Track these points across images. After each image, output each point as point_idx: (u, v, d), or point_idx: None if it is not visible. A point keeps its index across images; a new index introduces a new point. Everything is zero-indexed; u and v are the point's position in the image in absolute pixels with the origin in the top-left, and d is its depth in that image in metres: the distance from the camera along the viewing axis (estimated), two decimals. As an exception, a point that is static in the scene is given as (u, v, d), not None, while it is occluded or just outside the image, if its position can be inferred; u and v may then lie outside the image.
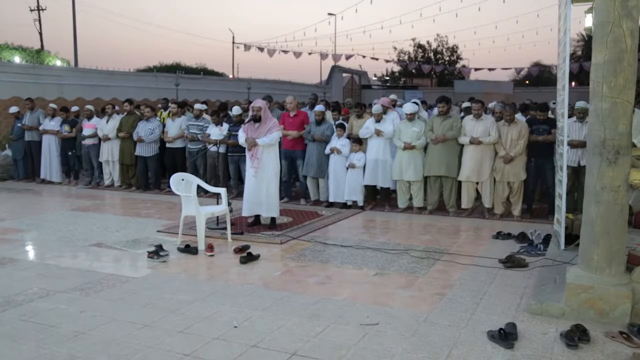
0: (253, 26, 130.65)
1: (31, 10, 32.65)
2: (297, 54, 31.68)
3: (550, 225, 6.81)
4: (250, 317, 4.11)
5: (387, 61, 40.22)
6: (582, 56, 40.47)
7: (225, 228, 6.61)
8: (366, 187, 8.50)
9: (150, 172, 10.35)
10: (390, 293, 4.68)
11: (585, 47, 41.26)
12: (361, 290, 4.77)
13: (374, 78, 49.02)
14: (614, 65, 3.88)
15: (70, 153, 11.14)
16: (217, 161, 8.74)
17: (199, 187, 6.67)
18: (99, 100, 17.18)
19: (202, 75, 26.83)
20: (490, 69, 32.80)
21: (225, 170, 9.34)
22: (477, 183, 7.84)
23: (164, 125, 10.15)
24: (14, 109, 11.73)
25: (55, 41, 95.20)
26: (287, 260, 5.74)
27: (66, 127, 11.02)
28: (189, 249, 5.98)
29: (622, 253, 4.06)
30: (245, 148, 6.99)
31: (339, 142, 8.47)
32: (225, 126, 9.24)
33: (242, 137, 6.95)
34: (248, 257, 5.62)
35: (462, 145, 7.85)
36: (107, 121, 10.63)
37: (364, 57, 58.59)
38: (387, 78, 51.60)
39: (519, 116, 8.69)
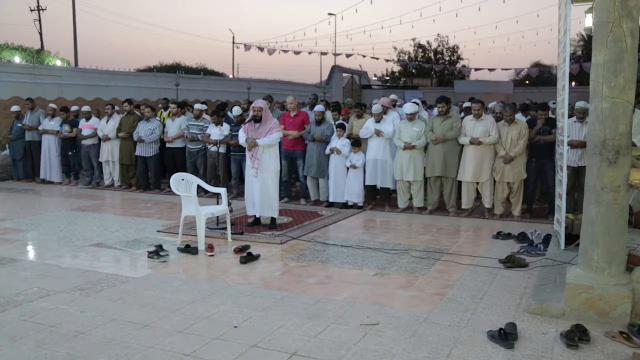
0: (253, 26, 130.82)
1: (31, 10, 32.70)
2: (297, 53, 31.72)
3: (550, 225, 6.82)
4: (250, 317, 4.11)
5: (387, 61, 40.30)
6: (582, 56, 40.49)
7: (225, 228, 6.61)
8: (366, 187, 8.50)
9: (150, 172, 10.35)
10: (390, 293, 4.68)
11: (585, 47, 41.27)
12: (361, 290, 4.77)
13: (374, 78, 49.06)
14: (614, 65, 3.88)
15: (70, 153, 11.15)
16: (217, 161, 8.74)
17: (199, 187, 6.67)
18: (99, 100, 17.21)
19: (202, 75, 26.84)
20: (490, 69, 32.87)
21: (225, 170, 9.34)
22: (477, 183, 7.84)
23: (164, 125, 10.16)
24: (15, 108, 11.73)
25: (55, 41, 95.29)
26: (287, 260, 5.74)
27: (66, 127, 11.02)
28: (189, 249, 5.98)
29: (622, 253, 4.06)
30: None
31: (339, 142, 8.47)
32: (226, 126, 9.24)
33: (242, 137, 6.95)
34: (248, 257, 5.62)
35: (462, 146, 7.85)
36: (107, 121, 10.64)
37: (364, 56, 58.85)
38: (387, 78, 51.63)
39: (519, 116, 8.70)
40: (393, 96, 10.18)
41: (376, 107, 8.45)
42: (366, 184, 8.45)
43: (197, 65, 34.58)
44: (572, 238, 5.45)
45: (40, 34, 32.18)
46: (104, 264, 5.57)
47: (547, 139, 7.45)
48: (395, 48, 51.07)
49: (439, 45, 50.44)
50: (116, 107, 11.02)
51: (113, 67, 30.96)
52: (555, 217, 6.17)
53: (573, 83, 25.86)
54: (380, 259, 5.73)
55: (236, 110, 9.25)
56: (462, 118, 8.36)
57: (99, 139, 10.72)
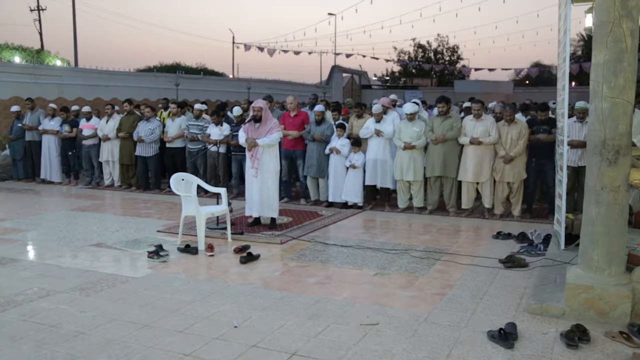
0: (253, 26, 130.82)
1: (31, 10, 32.69)
2: (297, 53, 31.74)
3: (550, 225, 6.82)
4: (250, 317, 4.11)
5: (387, 61, 40.32)
6: (582, 56, 40.50)
7: (225, 228, 6.61)
8: (366, 187, 8.50)
9: (150, 172, 10.35)
10: (390, 293, 4.68)
11: (585, 47, 41.27)
12: (361, 290, 4.77)
13: (374, 78, 49.08)
14: (614, 65, 3.88)
15: (70, 153, 11.15)
16: (217, 161, 8.74)
17: (199, 187, 6.67)
18: (99, 100, 17.21)
19: (202, 75, 26.84)
20: (490, 69, 32.88)
21: (225, 170, 9.34)
22: (477, 183, 7.84)
23: (164, 125, 10.16)
24: (15, 108, 11.73)
25: (55, 41, 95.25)
26: (287, 260, 5.74)
27: (66, 127, 11.03)
28: (189, 249, 5.98)
29: (622, 253, 4.06)
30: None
31: (339, 142, 8.47)
32: (226, 126, 9.24)
33: (242, 137, 6.95)
34: (248, 257, 5.62)
35: (462, 146, 7.85)
36: (107, 121, 10.64)
37: (364, 56, 58.88)
38: (387, 78, 51.65)
39: (519, 116, 8.70)
40: (393, 96, 10.18)
41: (376, 107, 8.45)
42: (366, 184, 8.45)
43: (197, 65, 34.61)
44: (572, 238, 5.45)
45: (40, 34, 32.21)
46: (104, 264, 5.57)
47: (547, 139, 7.46)
48: (395, 48, 51.18)
49: (439, 45, 50.49)
50: (116, 107, 11.03)
51: (113, 67, 30.96)
52: (555, 217, 6.17)
53: (573, 83, 25.86)
54: (380, 259, 5.72)
55: (236, 110, 9.25)
56: (462, 118, 8.36)
57: (99, 139, 10.72)
